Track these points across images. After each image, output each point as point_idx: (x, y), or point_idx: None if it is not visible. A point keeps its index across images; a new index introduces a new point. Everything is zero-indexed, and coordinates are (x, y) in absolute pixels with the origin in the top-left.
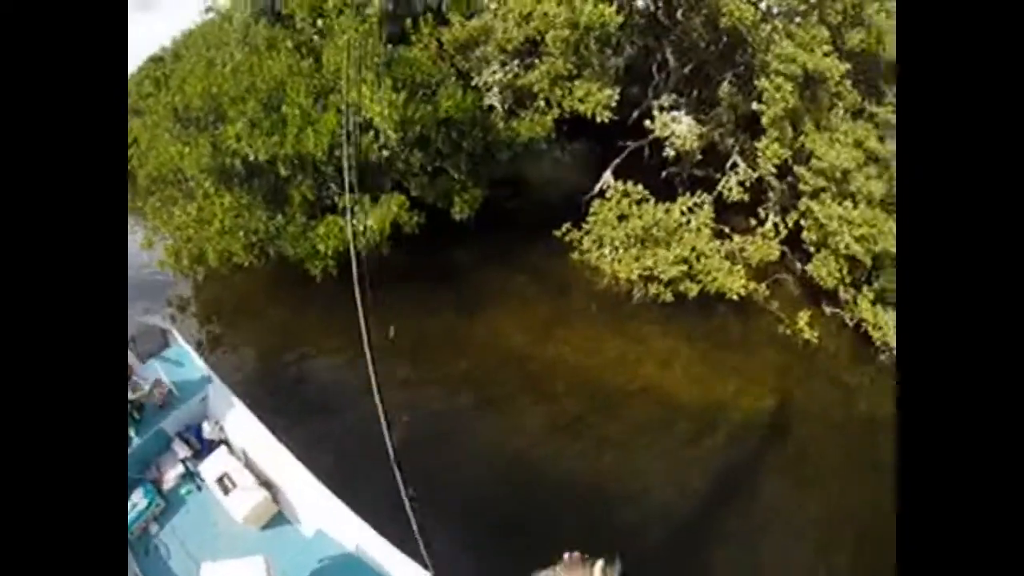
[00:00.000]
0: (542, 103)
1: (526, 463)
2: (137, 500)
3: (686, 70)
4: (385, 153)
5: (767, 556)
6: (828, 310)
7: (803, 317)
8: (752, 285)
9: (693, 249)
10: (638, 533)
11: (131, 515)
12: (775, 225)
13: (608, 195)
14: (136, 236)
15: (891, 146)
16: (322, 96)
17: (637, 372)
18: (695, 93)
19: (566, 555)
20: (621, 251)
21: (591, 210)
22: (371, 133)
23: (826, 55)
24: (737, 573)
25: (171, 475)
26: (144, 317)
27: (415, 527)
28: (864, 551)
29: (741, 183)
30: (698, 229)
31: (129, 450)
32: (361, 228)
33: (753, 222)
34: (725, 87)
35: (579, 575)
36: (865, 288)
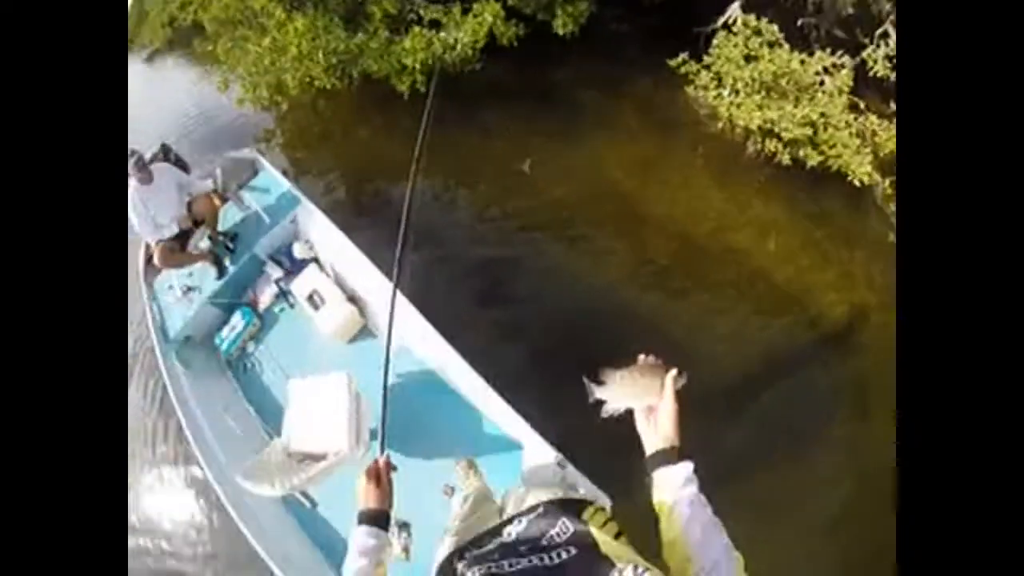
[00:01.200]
0: None
1: (604, 301)
2: (235, 322)
3: None
4: None
5: (809, 475)
6: None
7: None
8: (876, 177)
9: (823, 114)
10: (700, 391)
11: (230, 336)
12: None
13: (735, 30)
14: (212, 82)
15: None
16: None
17: (732, 234)
18: None
19: (642, 356)
20: (743, 95)
21: (714, 43)
22: None
23: None
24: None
25: (266, 296)
26: (231, 152)
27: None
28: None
29: (889, 57)
30: (832, 94)
31: (225, 278)
32: (451, 41)
33: (892, 107)
34: None
35: (651, 379)
36: None
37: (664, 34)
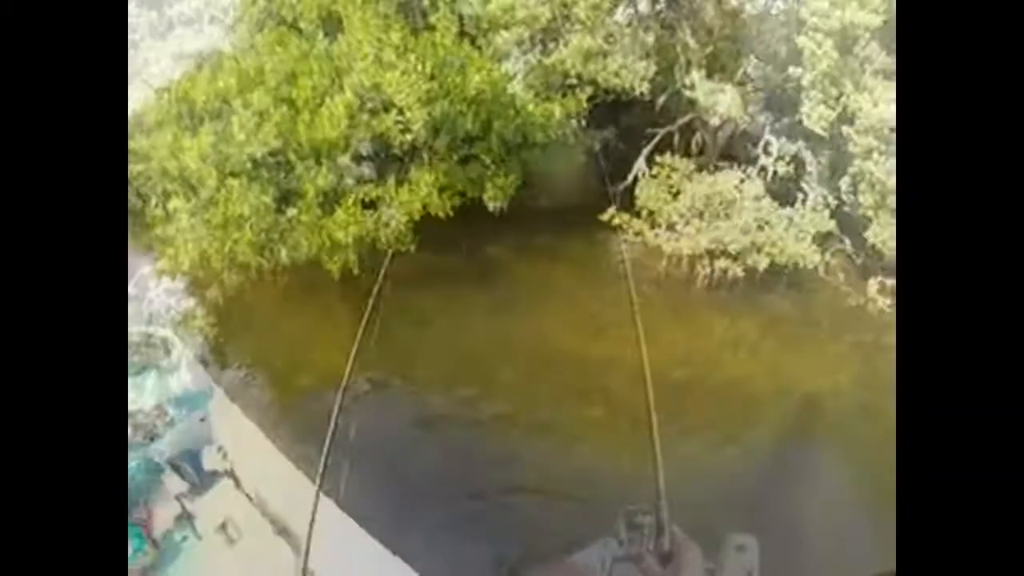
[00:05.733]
0: (574, 79)
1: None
2: None
3: (707, 51)
4: (408, 136)
5: None
6: (888, 283)
7: (873, 285)
8: (816, 256)
9: (755, 219)
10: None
11: None
12: (823, 197)
13: (655, 172)
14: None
15: None
16: (336, 79)
17: (708, 361)
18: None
19: None
20: (682, 225)
21: (637, 190)
22: (392, 113)
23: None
24: None
25: (163, 516)
26: (141, 327)
27: None
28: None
29: (780, 158)
30: (756, 198)
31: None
32: (386, 218)
33: (800, 196)
34: (752, 62)
35: None
36: None
37: (584, 194)
